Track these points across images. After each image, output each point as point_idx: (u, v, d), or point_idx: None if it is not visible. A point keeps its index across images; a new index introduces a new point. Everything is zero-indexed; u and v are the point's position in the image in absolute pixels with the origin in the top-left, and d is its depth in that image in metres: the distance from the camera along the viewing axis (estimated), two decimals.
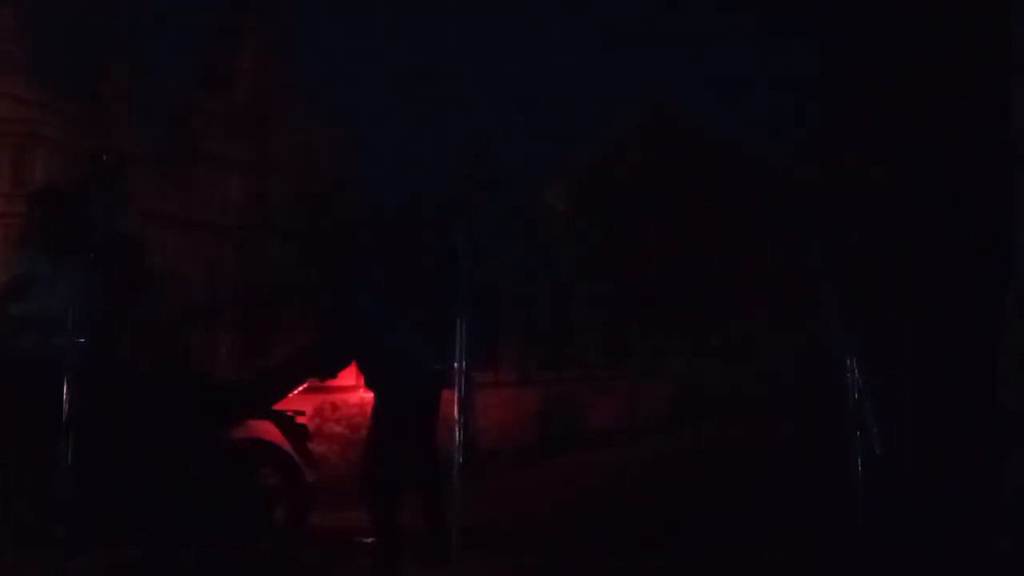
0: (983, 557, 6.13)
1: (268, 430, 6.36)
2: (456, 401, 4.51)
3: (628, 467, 7.36)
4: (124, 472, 5.58)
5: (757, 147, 7.32)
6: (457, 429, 4.45)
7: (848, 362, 4.78)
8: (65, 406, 4.61)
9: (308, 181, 10.62)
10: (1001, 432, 6.33)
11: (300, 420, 6.24)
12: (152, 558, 5.55)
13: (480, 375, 7.45)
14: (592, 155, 7.67)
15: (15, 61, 8.85)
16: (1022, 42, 6.91)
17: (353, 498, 6.26)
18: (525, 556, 6.58)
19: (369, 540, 5.93)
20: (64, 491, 4.60)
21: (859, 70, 7.52)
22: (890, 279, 7.33)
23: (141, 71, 9.47)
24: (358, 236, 6.81)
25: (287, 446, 6.19)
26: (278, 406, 6.22)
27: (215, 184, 10.51)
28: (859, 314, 5.13)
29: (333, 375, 6.45)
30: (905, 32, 7.45)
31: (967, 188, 7.20)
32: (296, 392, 6.31)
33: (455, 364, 4.57)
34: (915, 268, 7.34)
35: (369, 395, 6.35)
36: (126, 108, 9.54)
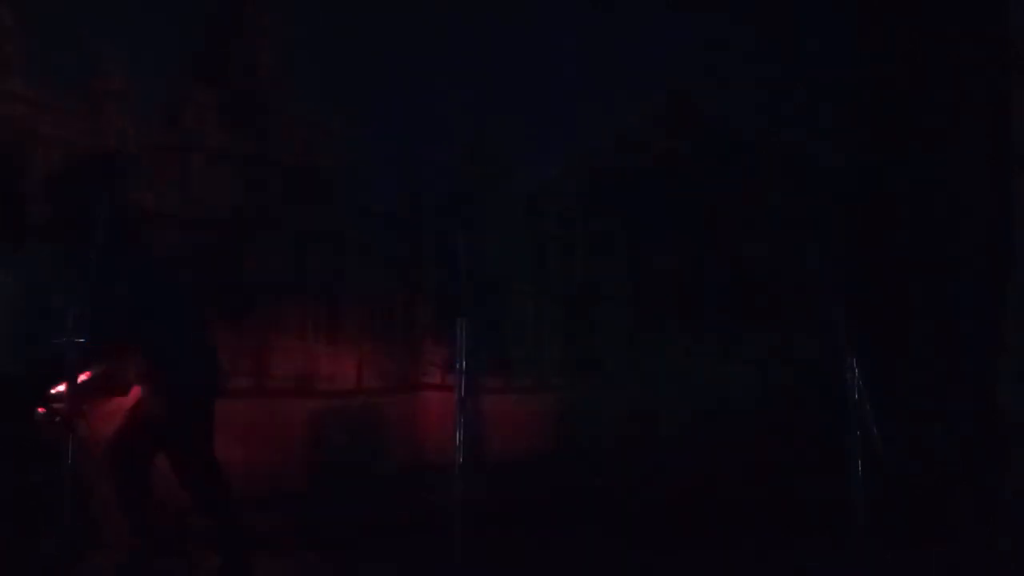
0: (983, 556, 6.14)
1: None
2: (456, 403, 4.49)
3: (639, 471, 7.38)
4: None
5: (761, 142, 7.35)
6: (457, 433, 4.43)
7: (848, 362, 4.79)
8: None
9: (306, 175, 10.57)
10: (1001, 432, 6.34)
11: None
12: None
13: (489, 380, 7.41)
14: (606, 145, 7.67)
15: (9, 58, 8.82)
16: (1022, 42, 6.92)
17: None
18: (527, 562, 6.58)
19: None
20: None
21: (859, 70, 7.52)
22: (889, 279, 7.33)
23: (136, 65, 9.43)
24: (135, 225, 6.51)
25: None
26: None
27: (210, 179, 10.46)
28: (859, 314, 5.14)
29: (110, 363, 6.17)
30: (905, 31, 7.45)
31: (967, 188, 7.20)
32: (57, 390, 6.04)
33: (459, 364, 4.51)
34: (915, 268, 7.34)
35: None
36: (121, 104, 9.48)
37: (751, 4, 7.72)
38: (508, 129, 8.10)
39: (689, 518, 7.16)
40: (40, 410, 5.84)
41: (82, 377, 5.56)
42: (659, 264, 7.84)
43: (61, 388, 5.73)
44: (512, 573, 6.35)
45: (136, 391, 5.77)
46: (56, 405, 5.79)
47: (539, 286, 7.92)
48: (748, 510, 6.97)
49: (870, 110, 7.48)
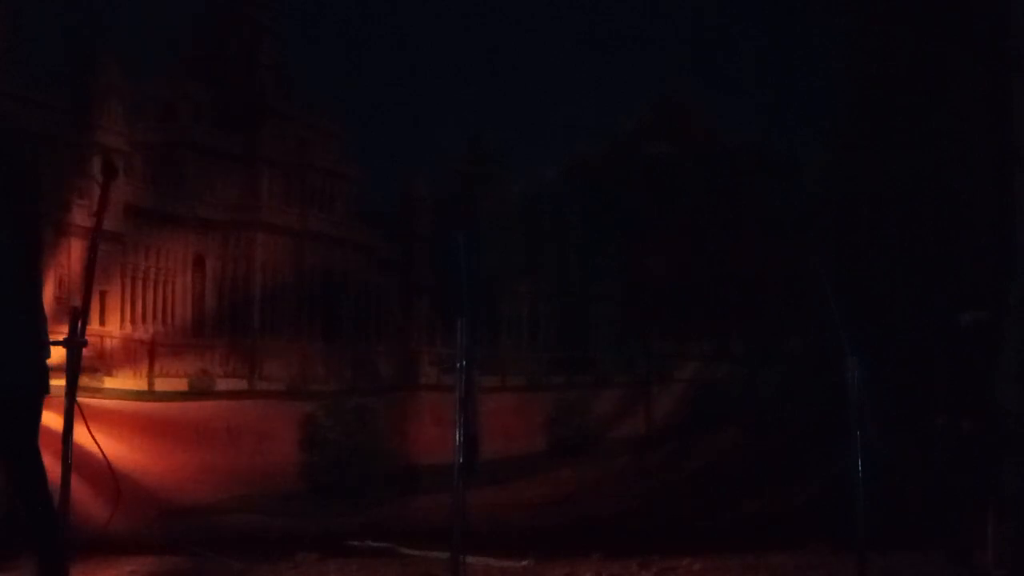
0: (983, 557, 6.14)
1: None
2: (457, 401, 4.48)
3: (634, 472, 7.39)
4: None
5: (764, 144, 7.36)
6: (457, 431, 4.42)
7: (848, 362, 4.78)
8: None
9: (302, 175, 10.54)
10: (1001, 432, 6.34)
11: None
12: None
13: (485, 379, 7.39)
14: (604, 148, 7.66)
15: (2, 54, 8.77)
16: (1022, 42, 6.93)
17: None
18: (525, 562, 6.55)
19: None
20: None
21: (859, 70, 7.52)
22: (890, 278, 7.33)
23: (130, 62, 9.39)
24: None
25: None
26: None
27: (206, 179, 10.40)
28: (859, 314, 5.13)
29: None
30: (905, 32, 7.45)
31: (967, 187, 7.21)
32: None
33: (459, 364, 4.49)
34: (915, 268, 7.34)
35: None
36: (114, 101, 9.43)
37: (751, 5, 7.72)
38: (506, 130, 8.10)
39: (687, 518, 7.16)
40: None
41: None
42: (655, 264, 7.84)
43: None
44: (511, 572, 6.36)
45: None
46: None
47: (535, 286, 7.93)
48: (747, 509, 6.98)
49: (870, 110, 7.48)
